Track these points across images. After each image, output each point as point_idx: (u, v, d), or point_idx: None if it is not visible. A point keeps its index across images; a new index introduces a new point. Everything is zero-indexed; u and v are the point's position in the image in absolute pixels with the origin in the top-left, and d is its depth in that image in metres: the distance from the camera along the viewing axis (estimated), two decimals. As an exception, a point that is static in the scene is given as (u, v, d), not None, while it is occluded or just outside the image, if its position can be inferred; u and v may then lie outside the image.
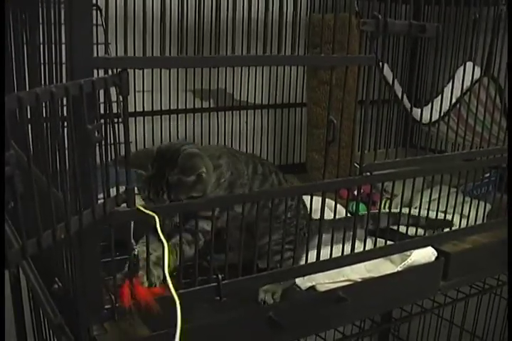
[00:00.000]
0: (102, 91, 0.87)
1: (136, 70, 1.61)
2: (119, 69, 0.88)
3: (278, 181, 1.33)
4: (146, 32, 0.91)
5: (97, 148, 0.88)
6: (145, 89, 1.84)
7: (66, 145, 0.85)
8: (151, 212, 0.97)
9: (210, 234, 1.14)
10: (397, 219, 1.36)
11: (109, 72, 0.89)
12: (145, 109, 1.89)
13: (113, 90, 0.90)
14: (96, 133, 0.84)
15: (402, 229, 1.39)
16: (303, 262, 1.26)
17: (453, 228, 1.50)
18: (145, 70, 1.78)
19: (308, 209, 1.29)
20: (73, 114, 0.81)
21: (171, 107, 1.94)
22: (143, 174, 1.14)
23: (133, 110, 1.82)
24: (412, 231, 1.46)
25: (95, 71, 0.86)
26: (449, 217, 1.49)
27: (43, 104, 0.87)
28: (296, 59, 1.11)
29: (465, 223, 1.53)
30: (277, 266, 1.23)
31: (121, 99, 0.91)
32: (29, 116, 0.88)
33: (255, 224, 1.17)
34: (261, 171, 1.31)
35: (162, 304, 1.03)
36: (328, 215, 1.28)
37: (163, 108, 1.93)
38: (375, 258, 1.32)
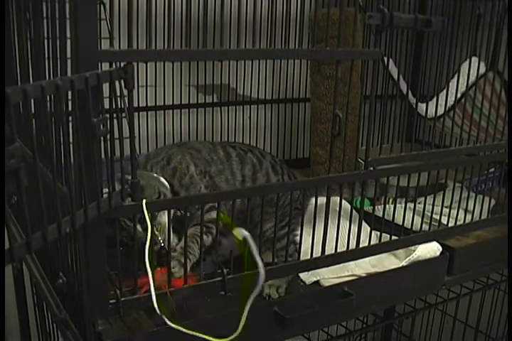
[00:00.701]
0: (105, 87, 0.87)
1: (140, 65, 1.63)
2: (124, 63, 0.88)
3: (257, 159, 1.32)
4: (150, 26, 0.91)
5: (102, 142, 0.88)
6: (148, 84, 1.84)
7: (71, 139, 0.85)
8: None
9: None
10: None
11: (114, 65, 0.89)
12: (148, 104, 1.89)
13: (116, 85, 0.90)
14: (101, 126, 0.84)
15: (407, 223, 1.39)
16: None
17: (457, 222, 1.50)
18: (149, 65, 1.78)
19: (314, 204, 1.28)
20: (78, 107, 0.81)
21: (175, 102, 1.94)
22: None
23: (136, 105, 1.81)
24: (416, 226, 1.45)
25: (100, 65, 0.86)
26: (453, 212, 1.48)
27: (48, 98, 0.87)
28: (301, 52, 1.11)
29: (469, 218, 1.53)
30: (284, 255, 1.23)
31: (125, 92, 0.91)
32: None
33: (261, 218, 1.17)
34: (235, 154, 1.31)
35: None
36: (333, 211, 1.27)
37: (166, 103, 1.92)
38: (380, 253, 1.32)
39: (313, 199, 1.19)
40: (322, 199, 1.19)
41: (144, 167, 1.24)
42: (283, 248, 1.24)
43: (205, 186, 1.23)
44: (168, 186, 1.19)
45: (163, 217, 1.12)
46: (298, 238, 1.25)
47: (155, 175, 1.20)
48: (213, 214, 1.14)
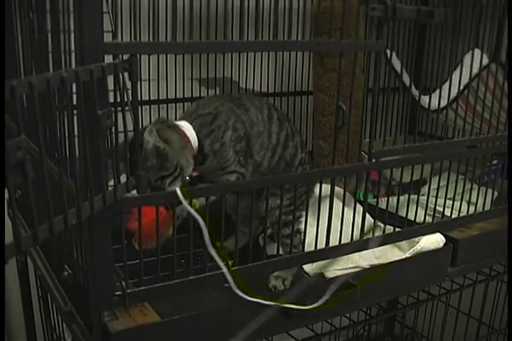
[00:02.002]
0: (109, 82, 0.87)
1: (143, 59, 1.62)
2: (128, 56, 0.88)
3: (291, 129, 1.31)
4: (155, 20, 0.91)
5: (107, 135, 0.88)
6: (151, 78, 1.83)
7: (76, 132, 0.85)
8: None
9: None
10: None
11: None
12: (151, 98, 1.89)
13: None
14: (106, 118, 0.84)
15: (411, 215, 1.39)
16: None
17: (460, 214, 1.50)
18: (151, 59, 1.78)
19: (318, 197, 1.29)
20: (83, 99, 0.81)
21: (177, 96, 1.94)
22: None
23: (139, 99, 1.81)
24: (420, 218, 1.46)
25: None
26: (456, 204, 1.49)
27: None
28: (304, 44, 1.10)
29: (472, 210, 1.53)
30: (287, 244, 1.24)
31: (129, 85, 0.91)
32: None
33: (265, 209, 1.18)
34: (276, 117, 1.29)
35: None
36: (337, 203, 1.28)
37: (169, 96, 1.92)
38: (384, 244, 1.32)
39: (317, 192, 1.20)
40: (325, 191, 1.20)
41: (189, 115, 1.21)
42: (288, 236, 1.24)
43: (235, 152, 1.21)
44: (192, 163, 1.17)
45: None
46: (303, 227, 1.25)
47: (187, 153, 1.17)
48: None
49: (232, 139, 1.19)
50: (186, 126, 1.17)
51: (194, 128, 1.17)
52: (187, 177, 1.15)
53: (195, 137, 1.17)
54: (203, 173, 1.22)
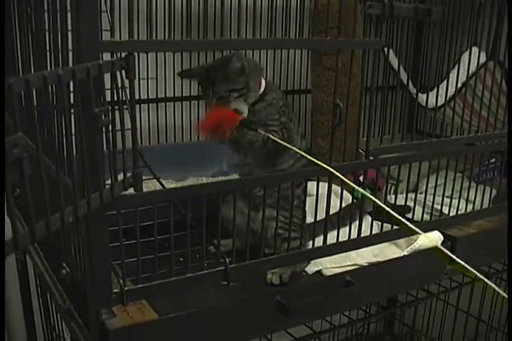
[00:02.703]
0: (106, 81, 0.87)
1: (141, 58, 1.63)
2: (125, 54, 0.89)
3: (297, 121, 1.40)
4: (151, 18, 0.91)
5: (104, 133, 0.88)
6: (149, 77, 1.84)
7: (73, 130, 0.85)
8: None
9: None
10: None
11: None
12: (149, 97, 1.89)
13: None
14: (103, 116, 0.84)
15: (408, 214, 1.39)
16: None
17: (458, 212, 1.50)
18: (149, 58, 1.78)
19: (315, 195, 1.29)
20: (80, 97, 0.81)
21: (176, 94, 1.94)
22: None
23: (137, 97, 1.81)
24: (418, 216, 1.46)
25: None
26: (454, 202, 1.49)
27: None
28: (302, 42, 1.11)
29: (471, 208, 1.53)
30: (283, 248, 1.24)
31: (127, 83, 0.91)
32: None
33: (263, 207, 1.18)
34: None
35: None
36: (334, 201, 1.28)
37: (167, 95, 1.93)
38: (382, 242, 1.32)
39: (314, 190, 1.20)
40: (323, 189, 1.20)
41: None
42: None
43: (281, 122, 1.28)
44: (256, 92, 1.26)
45: None
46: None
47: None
48: None
49: (281, 110, 1.29)
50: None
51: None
52: (248, 102, 1.23)
53: (264, 84, 1.27)
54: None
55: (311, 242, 1.30)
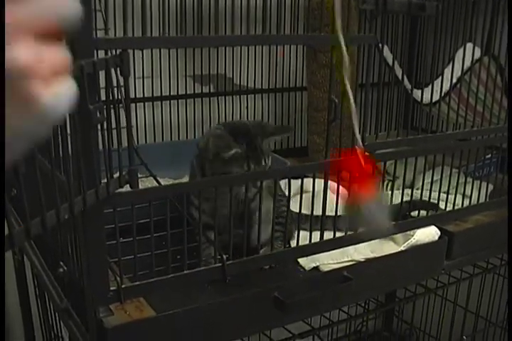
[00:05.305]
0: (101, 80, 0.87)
1: (136, 57, 1.62)
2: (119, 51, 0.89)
3: None
4: (145, 15, 0.91)
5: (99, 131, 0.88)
6: (145, 76, 1.84)
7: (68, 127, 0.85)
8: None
9: None
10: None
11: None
12: (145, 95, 1.89)
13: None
14: (98, 113, 0.84)
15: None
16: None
17: (455, 207, 1.50)
18: (144, 56, 1.78)
19: (311, 192, 1.29)
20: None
21: (171, 93, 1.94)
22: (228, 154, 1.19)
23: (133, 96, 1.81)
24: (414, 212, 1.46)
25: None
26: (451, 197, 1.49)
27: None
28: (296, 38, 1.11)
29: (467, 203, 1.53)
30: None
31: (122, 81, 0.91)
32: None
33: (259, 205, 1.18)
34: None
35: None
36: (331, 197, 1.28)
37: (163, 94, 1.93)
38: (379, 237, 1.33)
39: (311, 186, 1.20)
40: (320, 186, 1.20)
41: None
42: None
43: None
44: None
45: None
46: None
47: None
48: None
49: None
50: None
51: None
52: None
53: None
54: None
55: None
